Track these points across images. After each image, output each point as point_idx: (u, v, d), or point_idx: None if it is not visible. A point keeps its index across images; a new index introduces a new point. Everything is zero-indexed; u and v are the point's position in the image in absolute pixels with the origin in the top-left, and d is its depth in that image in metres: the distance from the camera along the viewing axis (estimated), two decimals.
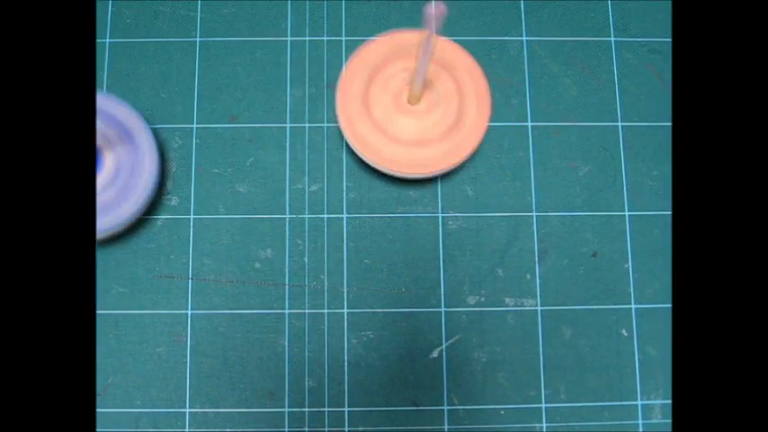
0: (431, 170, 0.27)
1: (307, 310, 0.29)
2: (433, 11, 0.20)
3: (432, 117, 0.27)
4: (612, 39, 0.32)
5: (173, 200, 0.29)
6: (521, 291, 0.29)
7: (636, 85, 0.31)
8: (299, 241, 0.29)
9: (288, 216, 0.29)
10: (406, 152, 0.27)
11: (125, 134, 0.28)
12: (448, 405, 0.28)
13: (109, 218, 0.27)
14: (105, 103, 0.28)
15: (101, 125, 0.27)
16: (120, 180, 0.27)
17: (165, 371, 0.28)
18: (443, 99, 0.28)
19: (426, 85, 0.27)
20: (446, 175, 0.30)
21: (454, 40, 0.31)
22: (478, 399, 0.28)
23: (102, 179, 0.27)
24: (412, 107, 0.28)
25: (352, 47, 0.31)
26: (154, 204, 0.29)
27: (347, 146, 0.30)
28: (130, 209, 0.27)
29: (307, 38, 0.31)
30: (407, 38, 0.28)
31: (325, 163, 0.30)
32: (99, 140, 0.27)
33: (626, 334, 0.29)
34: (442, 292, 0.29)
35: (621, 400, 0.28)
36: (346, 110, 0.28)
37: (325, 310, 0.29)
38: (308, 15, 0.31)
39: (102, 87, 0.30)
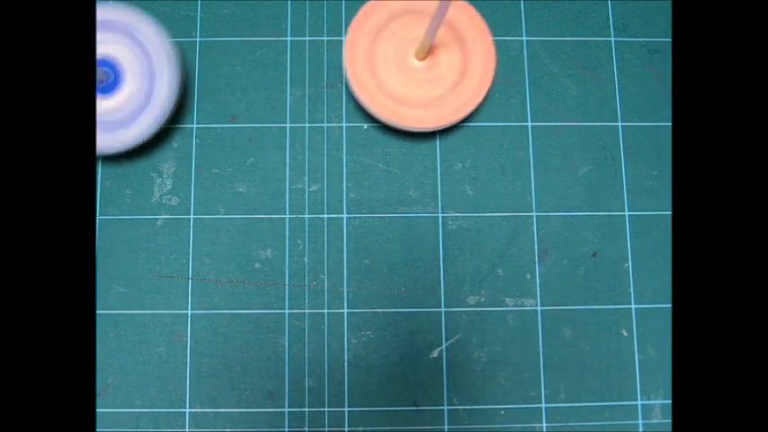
0: (437, 124, 0.28)
1: (307, 310, 0.29)
2: None
3: (437, 70, 0.29)
4: (612, 39, 0.32)
5: (173, 200, 0.29)
6: (521, 291, 0.29)
7: (636, 85, 0.31)
8: (299, 241, 0.29)
9: (288, 216, 0.29)
10: (413, 111, 0.28)
11: (139, 43, 0.28)
12: (448, 405, 0.28)
13: (137, 125, 0.28)
14: (120, 14, 0.29)
15: (118, 36, 0.28)
16: (143, 88, 0.28)
17: (165, 371, 0.28)
18: (448, 54, 0.29)
19: (433, 41, 0.28)
20: (446, 175, 0.30)
21: None
22: (478, 399, 0.28)
23: (125, 90, 0.28)
24: (418, 64, 0.29)
25: None
26: (175, 116, 0.30)
27: (347, 144, 0.30)
28: (155, 114, 0.28)
29: (307, 38, 0.31)
30: None
31: (325, 163, 0.30)
32: (109, 50, 0.28)
33: (626, 334, 0.29)
34: (442, 292, 0.29)
35: (621, 400, 0.28)
36: (354, 67, 0.29)
37: (325, 310, 0.29)
38: (308, 15, 0.31)
39: None
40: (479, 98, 0.29)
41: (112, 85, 0.28)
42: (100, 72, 0.27)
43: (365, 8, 0.29)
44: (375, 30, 0.29)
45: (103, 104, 0.28)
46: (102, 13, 0.29)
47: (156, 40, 0.28)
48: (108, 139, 0.28)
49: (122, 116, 0.28)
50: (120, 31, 0.28)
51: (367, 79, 0.29)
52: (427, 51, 0.28)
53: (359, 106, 0.30)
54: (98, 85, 0.28)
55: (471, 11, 0.29)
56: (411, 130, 0.29)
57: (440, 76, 0.29)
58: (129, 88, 0.28)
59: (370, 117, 0.30)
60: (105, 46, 0.28)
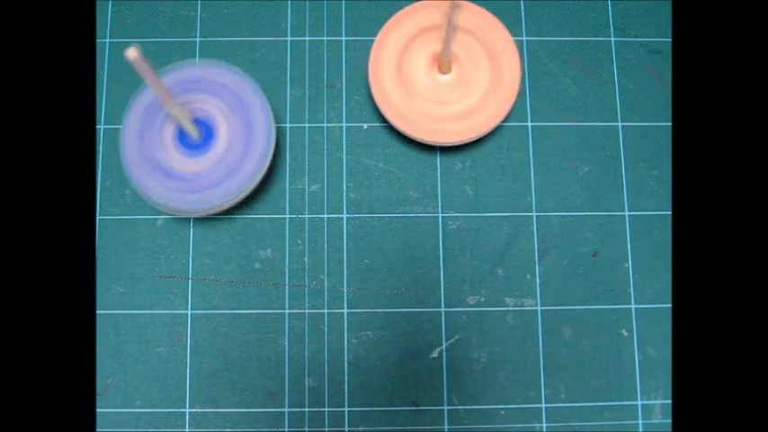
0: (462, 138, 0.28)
1: (307, 310, 0.29)
2: None
3: (463, 80, 0.29)
4: (612, 39, 0.32)
5: None
6: (521, 291, 0.29)
7: (636, 85, 0.31)
8: (299, 241, 0.29)
9: (288, 216, 0.29)
10: (445, 125, 0.28)
11: (237, 101, 0.28)
12: (448, 405, 0.28)
13: (222, 189, 0.27)
14: (215, 72, 0.28)
15: (209, 97, 0.28)
16: (236, 149, 0.27)
17: (165, 371, 0.28)
18: (472, 62, 0.29)
19: (450, 56, 0.28)
20: (446, 175, 0.30)
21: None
22: (478, 399, 0.28)
23: (218, 148, 0.27)
24: (444, 77, 0.29)
25: (352, 47, 0.31)
26: (269, 173, 0.29)
27: (347, 144, 0.30)
28: (246, 176, 0.27)
29: (307, 38, 0.31)
30: (432, 11, 0.29)
31: (325, 163, 0.30)
32: (211, 110, 0.27)
33: (626, 334, 0.29)
34: (442, 292, 0.29)
35: (621, 400, 0.28)
36: (380, 82, 0.29)
37: (325, 310, 0.29)
38: (307, 15, 0.31)
39: (103, 87, 0.30)
40: (509, 104, 0.28)
41: (204, 143, 0.27)
42: (192, 129, 0.26)
43: (392, 20, 0.29)
44: (402, 43, 0.29)
45: (192, 163, 0.27)
46: (200, 72, 0.28)
47: (260, 115, 0.27)
48: (193, 199, 0.27)
49: (210, 177, 0.27)
50: (217, 92, 0.28)
51: (396, 96, 0.28)
52: (449, 63, 0.28)
53: (387, 122, 0.29)
54: (190, 143, 0.27)
55: (486, 15, 0.29)
56: (445, 144, 0.28)
57: (467, 87, 0.28)
58: (220, 149, 0.27)
59: (398, 134, 0.30)
60: (201, 104, 0.27)
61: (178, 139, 0.27)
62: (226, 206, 0.27)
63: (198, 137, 0.27)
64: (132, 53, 0.20)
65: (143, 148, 0.27)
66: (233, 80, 0.28)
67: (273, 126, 0.27)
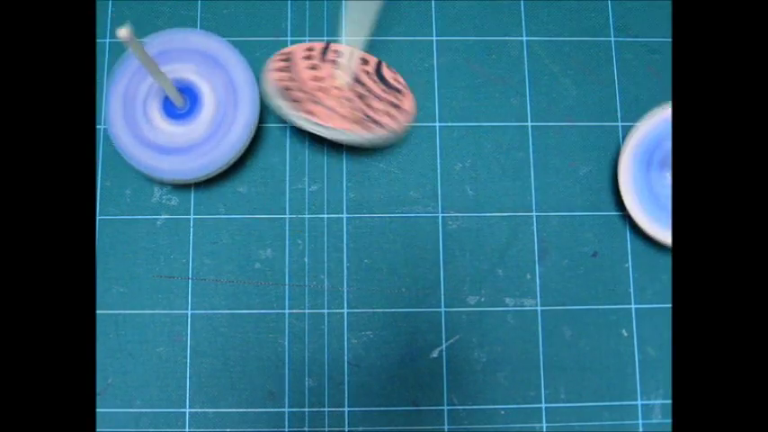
0: None
1: (307, 310, 0.29)
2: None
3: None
4: (612, 39, 0.32)
5: (173, 200, 0.29)
6: (521, 291, 0.29)
7: (636, 85, 0.31)
8: (299, 241, 0.29)
9: (288, 216, 0.29)
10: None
11: (218, 66, 0.28)
12: (448, 405, 0.28)
13: (218, 151, 0.27)
14: (195, 38, 0.29)
15: (193, 65, 0.28)
16: (221, 113, 0.28)
17: (165, 371, 0.28)
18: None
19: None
20: (446, 176, 0.30)
21: (456, 41, 0.31)
22: (478, 399, 0.28)
23: (204, 116, 0.28)
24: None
25: None
26: (255, 136, 0.30)
27: (347, 145, 0.30)
28: (235, 139, 0.27)
29: (307, 38, 0.31)
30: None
31: (325, 163, 0.30)
32: (190, 76, 0.28)
33: (626, 334, 0.29)
34: (442, 292, 0.29)
35: (621, 400, 0.28)
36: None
37: (325, 310, 0.29)
38: (307, 15, 0.31)
39: (102, 87, 0.30)
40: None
41: (188, 112, 0.28)
42: (177, 98, 0.27)
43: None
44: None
45: (175, 130, 0.28)
46: (189, 42, 0.28)
47: (241, 73, 0.28)
48: (169, 165, 0.27)
49: (191, 145, 0.27)
50: (204, 61, 0.28)
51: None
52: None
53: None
54: (175, 111, 0.28)
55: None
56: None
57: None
58: (204, 118, 0.28)
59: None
60: (187, 73, 0.28)
61: (163, 110, 0.28)
62: (227, 164, 0.28)
63: (183, 104, 0.28)
64: (124, 33, 0.20)
65: (134, 131, 0.28)
66: (203, 43, 0.28)
67: (253, 78, 0.28)
